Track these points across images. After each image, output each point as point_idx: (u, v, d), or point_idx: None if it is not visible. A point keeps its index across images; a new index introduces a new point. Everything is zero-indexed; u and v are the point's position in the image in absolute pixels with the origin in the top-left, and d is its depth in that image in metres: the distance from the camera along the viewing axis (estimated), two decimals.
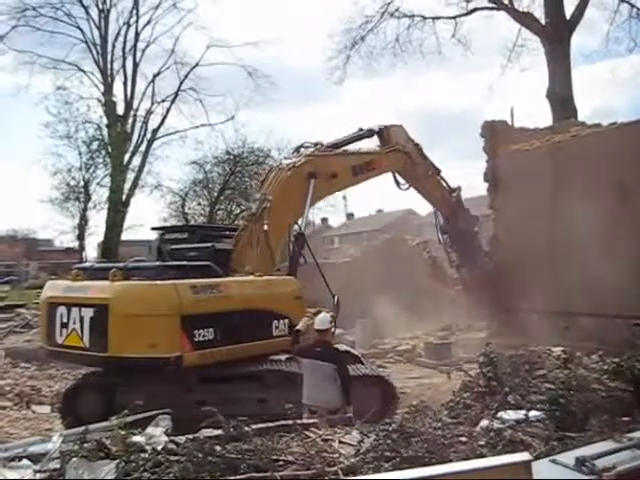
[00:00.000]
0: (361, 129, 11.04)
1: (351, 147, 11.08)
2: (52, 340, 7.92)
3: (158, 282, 7.50)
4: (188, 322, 7.42)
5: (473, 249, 13.53)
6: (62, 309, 7.71)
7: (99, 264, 9.22)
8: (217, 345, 7.69)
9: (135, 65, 32.97)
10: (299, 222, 9.74)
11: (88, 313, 7.45)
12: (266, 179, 10.05)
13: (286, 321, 8.18)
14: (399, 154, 11.24)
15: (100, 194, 30.98)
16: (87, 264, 9.20)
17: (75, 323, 7.53)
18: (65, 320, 7.65)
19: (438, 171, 12.34)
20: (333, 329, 8.19)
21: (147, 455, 3.90)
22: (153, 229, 10.57)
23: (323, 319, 7.33)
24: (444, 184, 12.70)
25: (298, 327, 7.75)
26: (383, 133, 11.17)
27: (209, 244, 8.99)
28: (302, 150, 10.31)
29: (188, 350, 7.41)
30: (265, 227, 9.13)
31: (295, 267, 9.33)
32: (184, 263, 8.17)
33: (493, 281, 13.32)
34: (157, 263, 8.15)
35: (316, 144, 10.38)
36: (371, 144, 11.51)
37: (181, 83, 32.95)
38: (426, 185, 12.16)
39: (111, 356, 7.25)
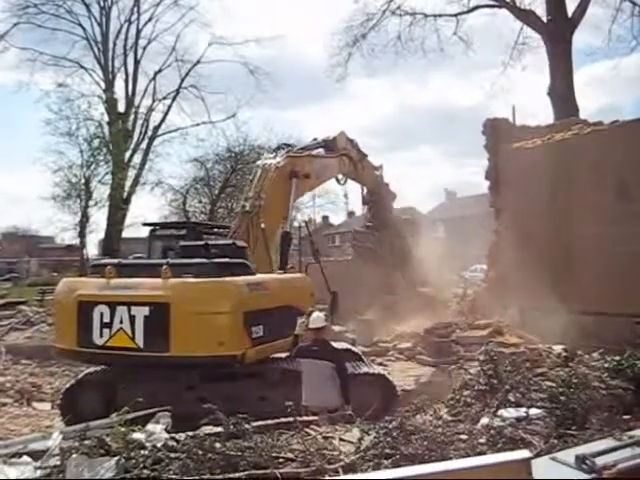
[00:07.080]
0: (315, 139, 12.64)
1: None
2: (87, 341, 7.49)
3: (216, 279, 7.37)
4: (247, 319, 7.39)
5: (388, 219, 15.52)
6: (102, 308, 7.36)
7: (127, 261, 8.81)
8: (266, 341, 7.69)
9: (136, 62, 33.09)
10: (285, 221, 10.25)
11: (142, 312, 7.17)
12: (253, 179, 10.52)
13: (304, 316, 8.20)
14: (346, 159, 12.90)
15: (101, 191, 31.02)
16: (113, 260, 8.73)
17: (123, 322, 7.24)
18: (107, 320, 7.32)
19: (366, 156, 14.11)
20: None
21: (147, 452, 3.91)
22: (145, 225, 10.34)
23: (317, 318, 7.27)
24: (370, 165, 14.40)
25: (296, 331, 7.73)
26: (331, 143, 12.72)
27: (229, 241, 8.93)
28: (280, 151, 11.11)
29: (249, 347, 7.37)
30: (262, 225, 9.38)
31: (285, 265, 9.44)
32: (226, 260, 7.97)
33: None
34: (202, 260, 7.84)
35: (289, 145, 11.69)
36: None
37: (182, 80, 33.13)
38: (362, 178, 14.06)
39: (173, 356, 7.04)
